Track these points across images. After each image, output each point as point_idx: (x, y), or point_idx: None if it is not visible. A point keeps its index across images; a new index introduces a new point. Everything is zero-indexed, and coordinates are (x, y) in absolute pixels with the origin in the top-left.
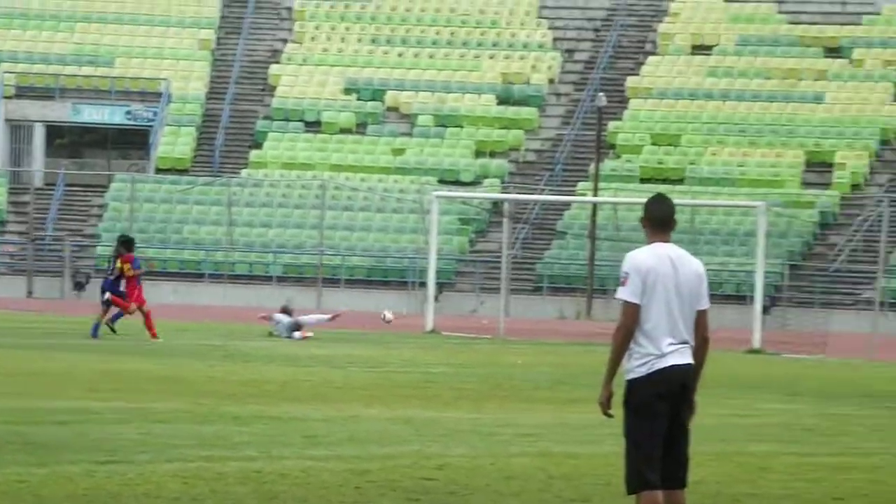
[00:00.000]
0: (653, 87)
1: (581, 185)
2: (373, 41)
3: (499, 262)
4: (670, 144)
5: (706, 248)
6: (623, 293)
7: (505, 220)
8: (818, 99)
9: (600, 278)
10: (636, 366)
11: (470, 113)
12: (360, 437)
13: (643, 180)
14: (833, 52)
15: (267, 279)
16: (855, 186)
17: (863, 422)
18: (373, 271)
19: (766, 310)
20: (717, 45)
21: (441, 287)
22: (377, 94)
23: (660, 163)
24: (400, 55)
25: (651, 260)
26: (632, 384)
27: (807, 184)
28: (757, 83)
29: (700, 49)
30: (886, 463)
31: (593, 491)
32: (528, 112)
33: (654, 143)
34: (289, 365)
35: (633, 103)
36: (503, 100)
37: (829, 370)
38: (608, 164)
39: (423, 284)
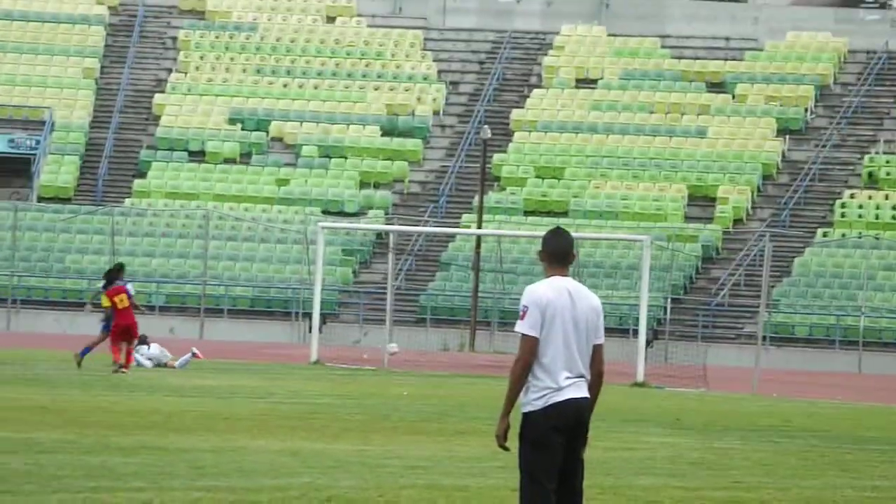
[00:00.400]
0: (537, 119)
1: (465, 217)
2: (257, 71)
3: (382, 293)
4: (554, 177)
5: (589, 282)
6: (522, 326)
7: (390, 252)
8: (701, 134)
9: (484, 310)
10: (533, 399)
11: (354, 144)
12: (249, 468)
13: (527, 213)
14: (716, 87)
15: (150, 309)
16: (737, 221)
17: (748, 456)
18: (256, 302)
19: (648, 343)
20: (601, 78)
21: (324, 318)
22: (262, 125)
23: (544, 196)
24: (285, 86)
25: (550, 293)
26: (528, 417)
27: (689, 218)
28: (640, 117)
29: (584, 83)
30: (773, 497)
31: None
32: (412, 144)
33: (538, 176)
34: (174, 395)
35: (517, 136)
36: (388, 131)
37: (712, 404)
38: (492, 197)
39: (306, 315)
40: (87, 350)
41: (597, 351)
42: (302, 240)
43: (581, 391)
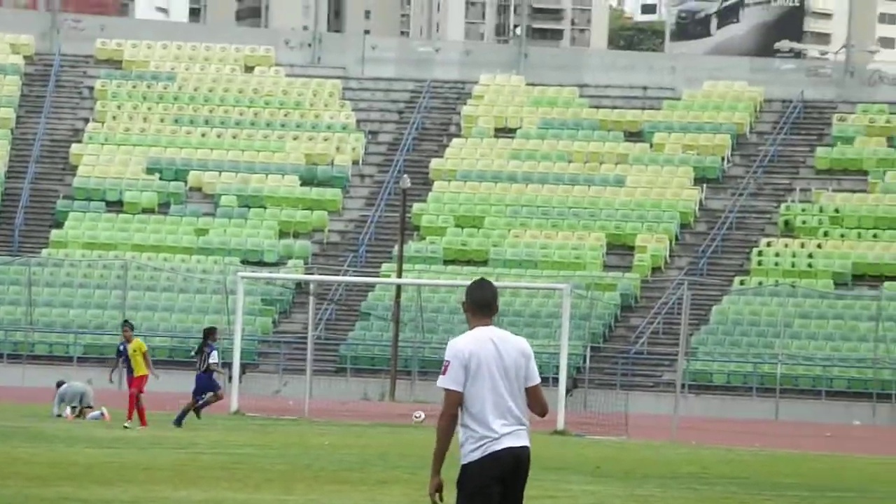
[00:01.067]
0: (456, 169)
1: (385, 266)
2: (175, 121)
3: (301, 342)
4: (474, 226)
5: (509, 330)
6: (444, 381)
7: (311, 300)
8: (619, 182)
9: (404, 360)
10: (470, 450)
11: (273, 193)
12: None
13: (447, 262)
14: (634, 136)
15: (68, 359)
16: (655, 269)
17: (668, 503)
18: (175, 352)
19: (568, 391)
20: (519, 128)
21: (244, 368)
22: (180, 174)
23: (463, 245)
24: (203, 135)
25: (472, 345)
26: (466, 469)
27: (608, 266)
28: (559, 166)
29: (503, 132)
30: None
31: None
32: (332, 193)
33: (457, 225)
34: (93, 447)
35: (436, 185)
36: (307, 181)
37: (632, 451)
38: (412, 246)
39: (226, 365)
40: (203, 404)
41: (535, 392)
42: (221, 290)
43: (520, 440)
